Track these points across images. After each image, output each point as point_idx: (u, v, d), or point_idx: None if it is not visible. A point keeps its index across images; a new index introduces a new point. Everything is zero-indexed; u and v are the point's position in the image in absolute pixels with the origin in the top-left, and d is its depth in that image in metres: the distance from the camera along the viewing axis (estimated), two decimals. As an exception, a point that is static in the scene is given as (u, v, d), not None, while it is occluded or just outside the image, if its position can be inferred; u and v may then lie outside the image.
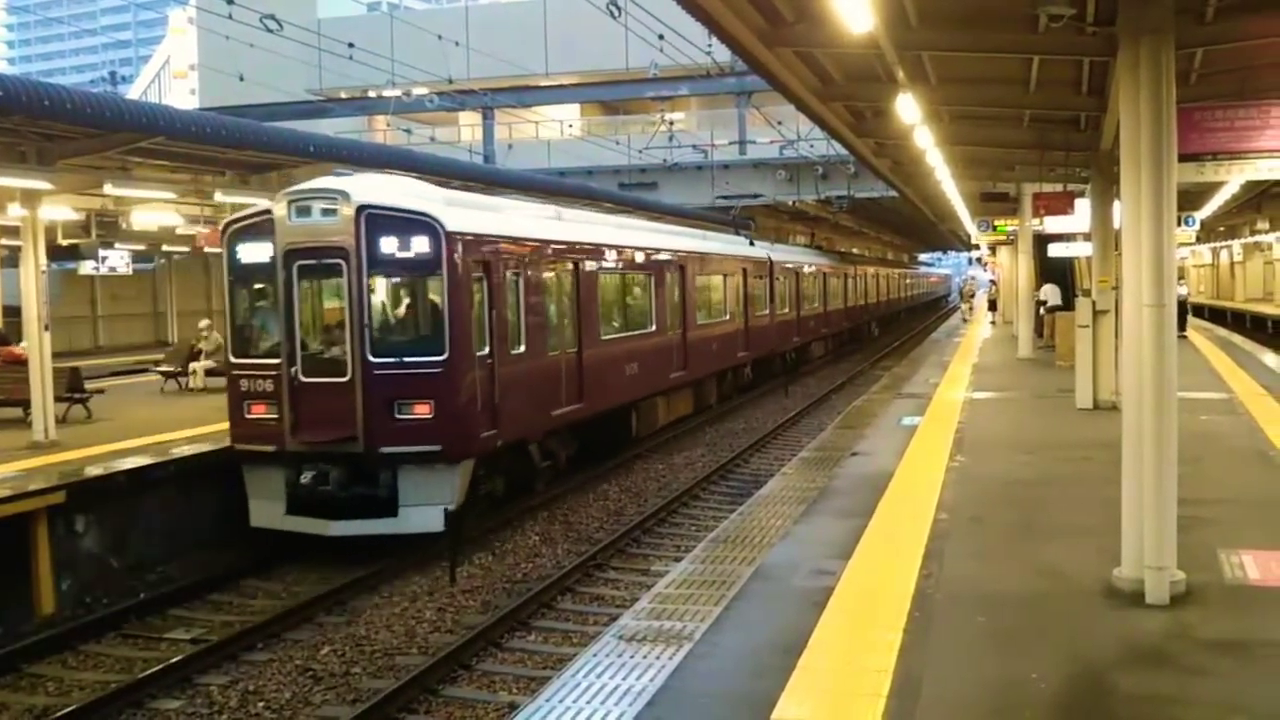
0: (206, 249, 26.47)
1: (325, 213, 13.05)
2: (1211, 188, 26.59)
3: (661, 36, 22.48)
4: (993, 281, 46.89)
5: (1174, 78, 6.91)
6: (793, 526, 9.40)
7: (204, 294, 38.89)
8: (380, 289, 13.51)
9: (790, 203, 42.21)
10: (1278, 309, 42.35)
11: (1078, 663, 6.07)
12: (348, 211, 12.87)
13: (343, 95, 43.81)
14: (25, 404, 15.17)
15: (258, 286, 13.91)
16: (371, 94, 42.14)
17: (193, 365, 20.84)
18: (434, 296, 13.24)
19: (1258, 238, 46.35)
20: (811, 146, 35.31)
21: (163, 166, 17.48)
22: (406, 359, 13.02)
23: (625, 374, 18.82)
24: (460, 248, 13.15)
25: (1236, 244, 51.26)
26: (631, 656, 6.43)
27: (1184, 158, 7.28)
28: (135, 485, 12.86)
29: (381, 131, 46.81)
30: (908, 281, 73.98)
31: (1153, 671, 5.98)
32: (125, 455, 13.60)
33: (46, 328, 14.64)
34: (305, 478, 12.92)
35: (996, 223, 28.77)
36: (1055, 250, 23.55)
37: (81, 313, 36.10)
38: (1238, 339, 29.49)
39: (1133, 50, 6.96)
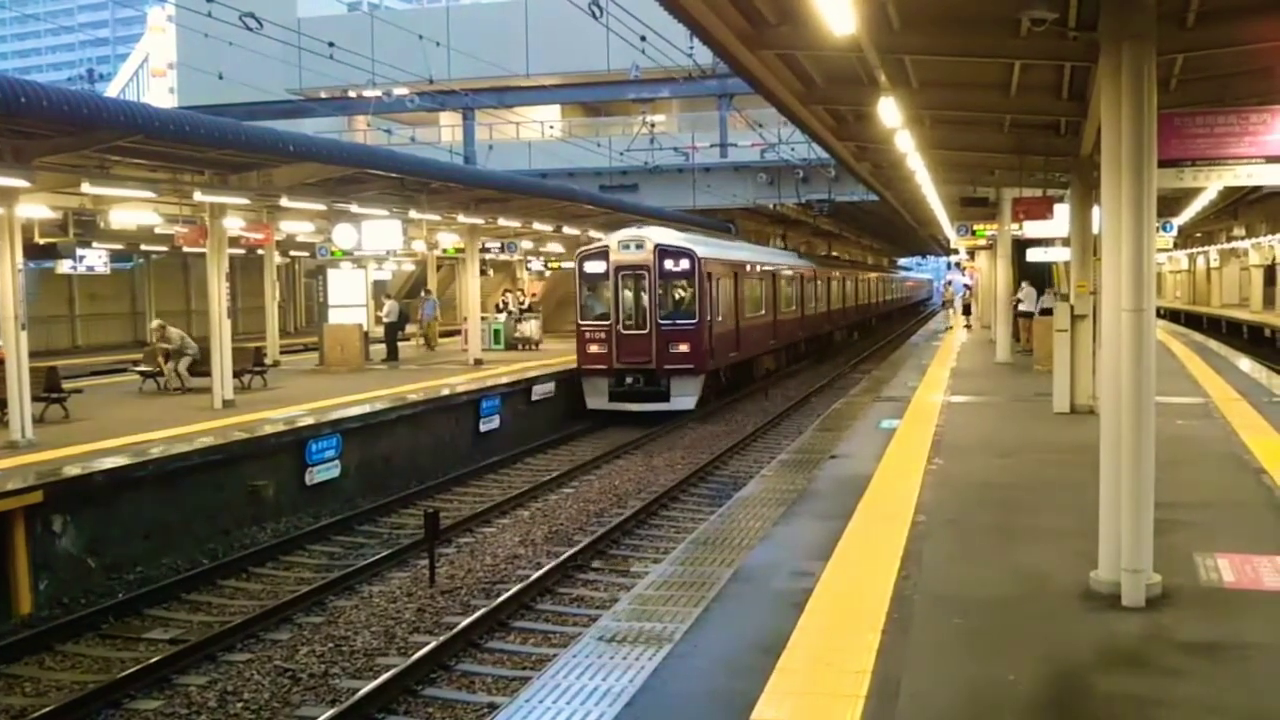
0: (186, 249, 26.40)
1: (637, 247, 25.01)
2: (1190, 193, 26.75)
3: (643, 38, 22.52)
4: (968, 286, 47.00)
5: (1155, 83, 6.96)
6: (772, 528, 9.41)
7: (183, 294, 38.74)
8: (663, 287, 24.98)
9: (771, 206, 42.30)
10: (1253, 315, 42.65)
11: (1055, 664, 6.10)
12: (649, 247, 24.93)
13: (323, 95, 43.66)
14: (2, 404, 15.06)
15: (595, 285, 25.32)
16: (352, 94, 42.02)
17: (169, 365, 20.56)
18: (690, 290, 25.12)
19: (1234, 244, 46.68)
20: (793, 150, 35.39)
21: (141, 165, 17.38)
22: (676, 322, 24.83)
23: (753, 339, 30.41)
24: (702, 265, 25.10)
25: (1213, 250, 51.62)
26: (611, 658, 6.42)
27: (1164, 163, 7.30)
28: (114, 485, 12.77)
29: (362, 131, 46.69)
30: (895, 285, 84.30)
31: (1129, 673, 6.01)
32: (104, 455, 13.51)
33: (24, 327, 14.51)
34: (627, 381, 24.73)
35: (976, 227, 28.88)
36: (1034, 255, 23.64)
37: (59, 312, 35.95)
38: (1214, 344, 29.67)
39: (1114, 56, 7.00)
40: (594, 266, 25.12)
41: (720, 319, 26.34)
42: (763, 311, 31.86)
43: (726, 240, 36.72)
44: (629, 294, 24.98)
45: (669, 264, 24.82)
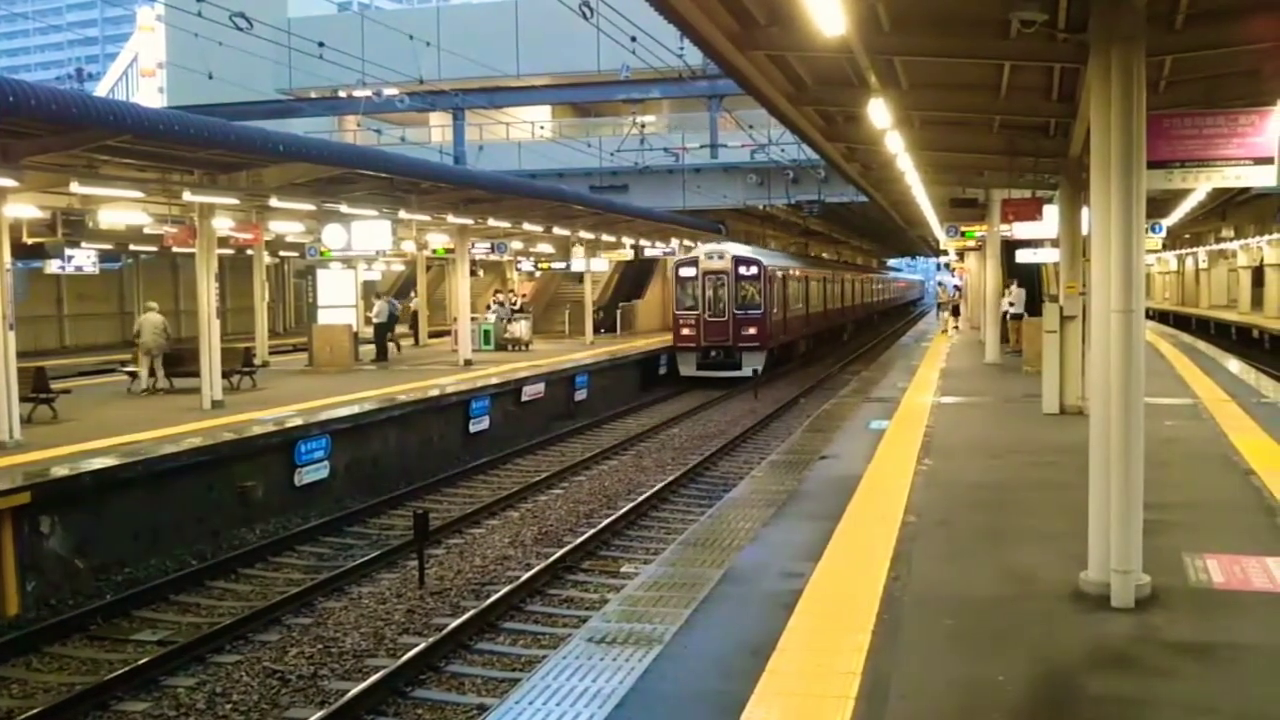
0: (175, 249, 26.30)
1: (719, 258, 34.30)
2: (1178, 195, 26.82)
3: (634, 39, 22.46)
4: (957, 288, 47.08)
5: (1144, 85, 6.97)
6: (762, 529, 9.40)
7: (172, 294, 38.51)
8: (738, 286, 33.82)
9: (761, 207, 42.31)
10: (1241, 316, 42.78)
11: (1044, 665, 6.11)
12: (729, 257, 34.30)
13: (313, 95, 43.55)
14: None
15: (686, 285, 34.15)
16: (342, 94, 41.89)
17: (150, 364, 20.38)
18: (758, 289, 33.95)
19: (1222, 245, 46.82)
20: (783, 150, 35.44)
21: (130, 165, 17.29)
22: (748, 311, 33.74)
23: (794, 327, 39.09)
24: (767, 271, 34.37)
25: (1202, 251, 51.76)
26: (601, 659, 6.41)
27: (1153, 165, 7.31)
28: (102, 486, 12.71)
29: (352, 131, 46.62)
30: (892, 285, 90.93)
31: (1118, 674, 6.01)
32: (92, 456, 13.44)
33: (11, 327, 14.44)
34: (710, 355, 33.65)
35: (965, 228, 28.88)
36: (1023, 256, 23.67)
37: (47, 312, 35.77)
38: (1202, 345, 29.76)
39: (1104, 57, 7.01)
40: (687, 271, 34.53)
41: (776, 310, 35.15)
42: (800, 306, 40.50)
43: (778, 252, 46.38)
44: (711, 292, 33.90)
45: (742, 269, 34.07)
